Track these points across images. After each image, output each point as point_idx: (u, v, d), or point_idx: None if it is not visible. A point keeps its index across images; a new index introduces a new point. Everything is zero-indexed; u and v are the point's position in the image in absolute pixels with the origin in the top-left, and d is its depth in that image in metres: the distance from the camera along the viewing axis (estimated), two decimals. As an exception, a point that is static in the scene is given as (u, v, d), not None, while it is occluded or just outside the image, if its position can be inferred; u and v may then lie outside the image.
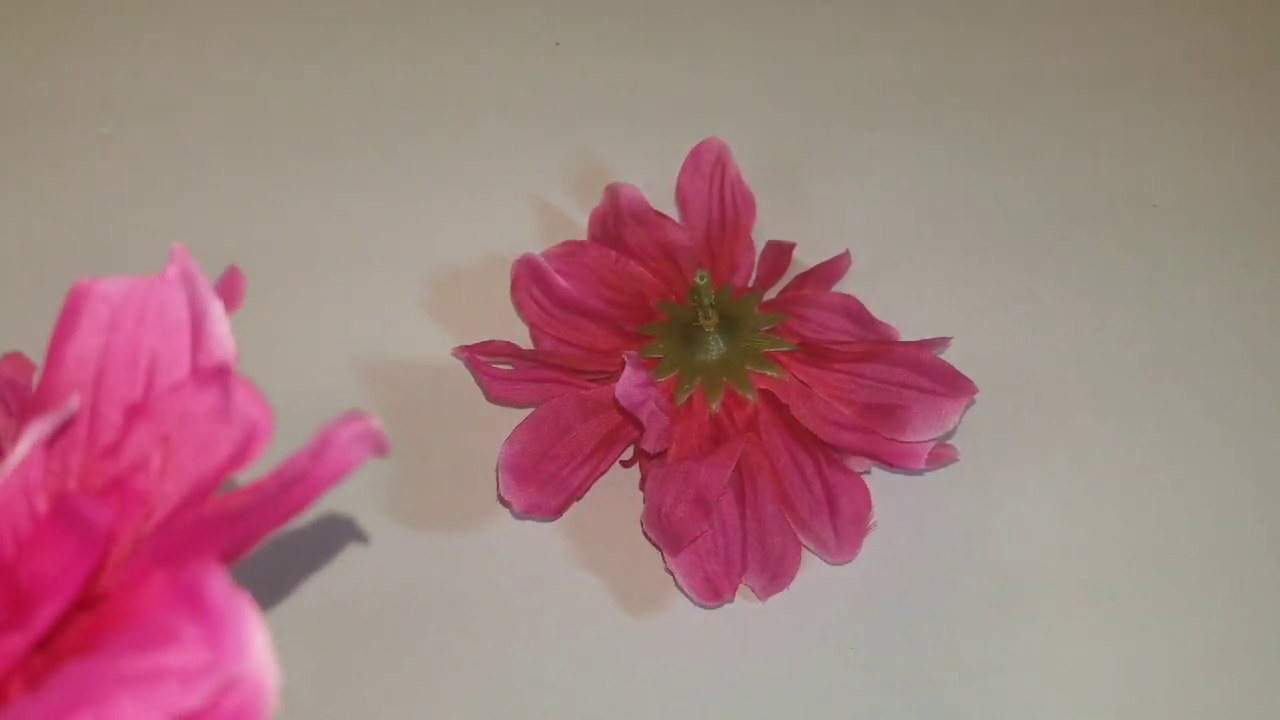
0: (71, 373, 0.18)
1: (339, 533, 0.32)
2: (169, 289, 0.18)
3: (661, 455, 0.32)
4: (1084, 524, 0.32)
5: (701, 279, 0.32)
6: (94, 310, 0.18)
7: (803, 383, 0.32)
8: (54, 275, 0.37)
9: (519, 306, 0.35)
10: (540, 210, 0.39)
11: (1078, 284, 0.37)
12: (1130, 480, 0.33)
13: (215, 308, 0.18)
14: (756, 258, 0.36)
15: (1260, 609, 0.31)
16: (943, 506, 0.32)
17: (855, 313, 0.34)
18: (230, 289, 0.19)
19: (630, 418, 0.32)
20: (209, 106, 0.42)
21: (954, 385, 0.31)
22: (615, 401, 0.30)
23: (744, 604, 0.31)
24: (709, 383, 0.32)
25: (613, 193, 0.36)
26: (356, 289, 0.37)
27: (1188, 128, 0.41)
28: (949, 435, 0.32)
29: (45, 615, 0.15)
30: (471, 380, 0.35)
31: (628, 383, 0.30)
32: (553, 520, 0.32)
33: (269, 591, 0.31)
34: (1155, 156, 0.40)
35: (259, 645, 0.14)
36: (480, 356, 0.33)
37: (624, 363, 0.30)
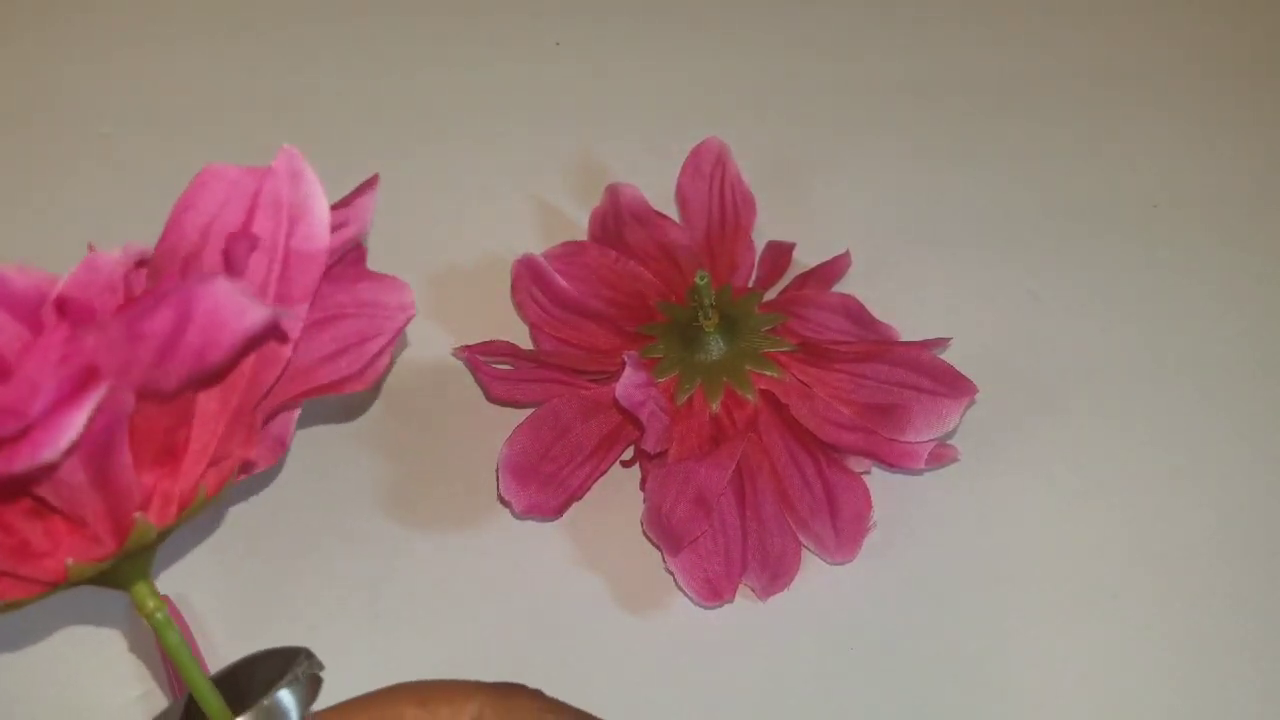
0: (186, 235, 0.22)
1: (339, 532, 0.32)
2: (276, 179, 0.21)
3: (662, 455, 0.32)
4: (1084, 524, 0.32)
5: (701, 279, 0.32)
6: (213, 188, 0.22)
7: (803, 383, 0.32)
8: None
9: (519, 306, 0.35)
10: (540, 210, 0.39)
11: (1078, 284, 0.37)
12: (1130, 480, 0.33)
13: (317, 200, 0.21)
14: (756, 258, 0.36)
15: (1262, 607, 0.31)
16: (943, 506, 0.32)
17: (855, 313, 0.34)
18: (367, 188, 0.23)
19: (630, 418, 0.32)
20: (209, 107, 0.42)
21: (954, 385, 0.31)
22: (615, 401, 0.30)
23: (744, 604, 0.31)
24: (709, 383, 0.32)
25: (613, 193, 0.36)
26: (356, 289, 0.37)
27: (1188, 128, 0.41)
28: (949, 435, 0.32)
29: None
30: (471, 380, 0.35)
31: (628, 383, 0.29)
32: (553, 520, 0.32)
33: (269, 591, 0.31)
34: (1155, 156, 0.40)
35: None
36: (480, 356, 0.33)
37: (624, 363, 0.30)
